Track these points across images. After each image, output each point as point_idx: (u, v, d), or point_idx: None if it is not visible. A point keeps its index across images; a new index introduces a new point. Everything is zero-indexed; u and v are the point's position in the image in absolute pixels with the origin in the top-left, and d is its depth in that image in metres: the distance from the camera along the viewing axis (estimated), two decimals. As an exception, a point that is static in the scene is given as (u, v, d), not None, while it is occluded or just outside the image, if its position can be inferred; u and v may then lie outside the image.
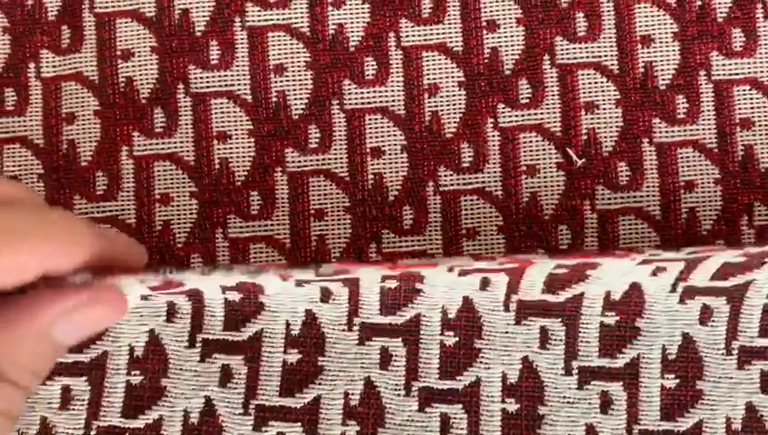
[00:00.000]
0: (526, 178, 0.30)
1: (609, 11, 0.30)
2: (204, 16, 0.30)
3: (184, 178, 0.30)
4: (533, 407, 0.28)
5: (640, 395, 0.28)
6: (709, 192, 0.29)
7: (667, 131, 0.30)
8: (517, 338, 0.28)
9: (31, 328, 0.24)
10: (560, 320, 0.28)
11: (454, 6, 0.30)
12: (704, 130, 0.30)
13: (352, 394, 0.28)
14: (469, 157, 0.30)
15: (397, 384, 0.28)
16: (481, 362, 0.28)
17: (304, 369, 0.28)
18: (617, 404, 0.28)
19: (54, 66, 0.31)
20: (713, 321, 0.28)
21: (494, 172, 0.30)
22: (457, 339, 0.28)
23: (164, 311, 0.28)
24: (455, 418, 0.27)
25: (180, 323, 0.28)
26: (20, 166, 0.30)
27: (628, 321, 0.28)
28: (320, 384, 0.28)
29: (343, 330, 0.28)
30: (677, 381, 0.28)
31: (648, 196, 0.30)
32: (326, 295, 0.28)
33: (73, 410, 0.28)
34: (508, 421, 0.28)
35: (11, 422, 0.23)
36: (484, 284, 0.28)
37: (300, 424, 0.28)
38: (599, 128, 0.30)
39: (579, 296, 0.28)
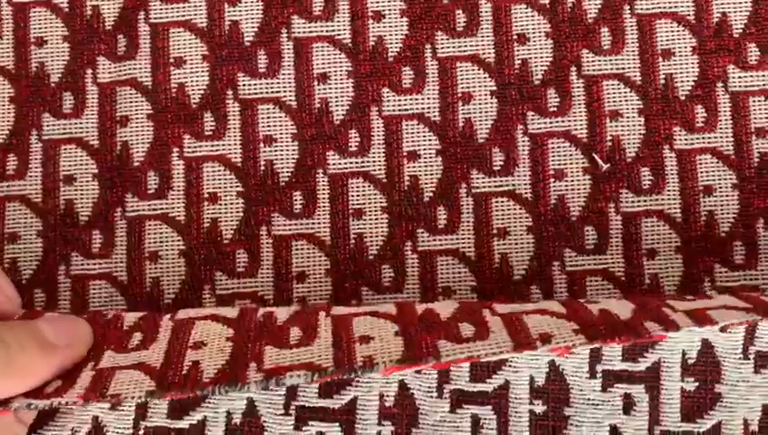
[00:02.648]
0: (554, 182, 0.32)
1: (632, 26, 0.32)
2: (252, 27, 0.32)
3: (231, 179, 0.32)
4: None
5: None
6: (727, 196, 0.31)
7: (686, 139, 0.32)
8: (603, 405, 0.29)
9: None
10: (642, 386, 0.29)
11: (486, 21, 0.32)
12: (721, 137, 0.32)
13: None
14: (500, 161, 0.32)
15: None
16: (570, 430, 0.29)
17: None
18: None
19: (110, 72, 0.32)
20: None
21: (524, 176, 0.32)
22: (546, 407, 0.29)
23: None
24: None
25: (277, 390, 0.29)
26: (76, 165, 0.32)
27: (708, 387, 0.29)
28: None
29: (435, 398, 0.29)
30: None
31: (669, 199, 0.31)
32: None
33: None
34: None
35: None
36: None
37: None
38: (622, 135, 0.32)
39: (657, 363, 0.29)
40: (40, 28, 0.33)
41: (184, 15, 0.32)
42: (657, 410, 0.29)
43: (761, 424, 0.29)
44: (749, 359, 0.29)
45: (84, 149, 0.32)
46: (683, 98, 0.32)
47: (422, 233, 0.32)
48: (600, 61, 0.32)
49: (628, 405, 0.29)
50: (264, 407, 0.29)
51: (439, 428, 0.29)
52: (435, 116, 0.32)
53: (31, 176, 0.32)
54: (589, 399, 0.29)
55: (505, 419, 0.29)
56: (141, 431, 0.28)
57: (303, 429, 0.29)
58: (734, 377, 0.29)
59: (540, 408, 0.29)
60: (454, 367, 0.29)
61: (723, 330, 0.29)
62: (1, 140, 0.32)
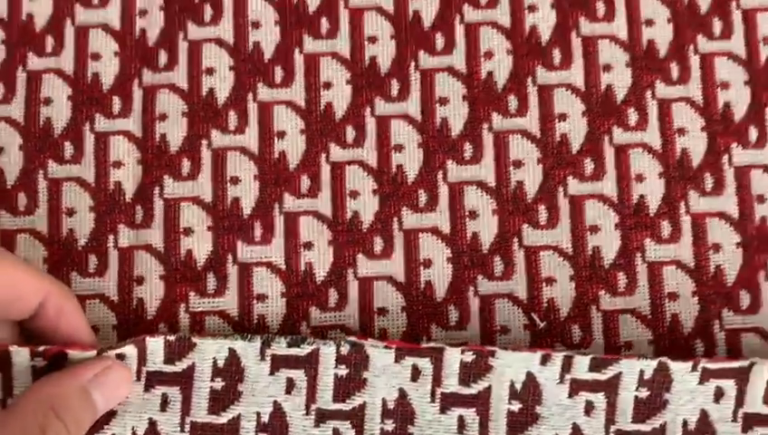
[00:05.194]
0: (500, 336, 0.38)
1: (564, 205, 0.39)
2: (250, 203, 0.39)
3: (229, 331, 0.38)
4: None
5: None
6: (643, 351, 0.37)
7: (610, 301, 0.38)
8: (569, 408, 0.35)
9: (75, 383, 0.33)
10: (603, 393, 0.35)
11: (443, 199, 0.39)
12: (640, 300, 0.38)
13: None
14: (455, 317, 0.38)
15: None
16: (541, 425, 0.35)
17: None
18: None
19: (129, 238, 0.39)
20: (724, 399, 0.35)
21: (474, 330, 0.38)
22: (521, 406, 0.35)
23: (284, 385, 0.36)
24: None
25: (299, 396, 0.35)
26: (98, 318, 0.38)
27: (658, 395, 0.35)
28: None
29: (428, 402, 0.35)
30: None
31: (595, 352, 0.37)
32: (415, 375, 0.35)
33: None
34: None
35: None
36: (544, 360, 0.35)
37: None
38: (556, 298, 0.38)
39: (618, 375, 0.35)
40: (70, 200, 0.39)
41: (193, 192, 0.39)
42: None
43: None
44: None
45: (106, 304, 0.38)
46: (607, 266, 0.38)
47: (389, 378, 0.37)
48: (538, 234, 0.39)
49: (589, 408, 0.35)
50: (289, 409, 0.35)
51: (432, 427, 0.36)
52: (400, 278, 0.38)
53: (59, 325, 0.38)
54: (558, 401, 0.35)
55: (486, 416, 0.35)
56: (188, 426, 0.35)
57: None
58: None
59: (516, 407, 0.35)
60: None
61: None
62: (34, 294, 0.38)
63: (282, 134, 0.39)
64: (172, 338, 0.35)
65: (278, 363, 0.35)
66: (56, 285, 0.35)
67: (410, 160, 0.39)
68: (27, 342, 0.35)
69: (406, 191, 0.39)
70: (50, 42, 0.40)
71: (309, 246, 0.39)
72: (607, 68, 0.40)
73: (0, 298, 0.33)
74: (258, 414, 0.35)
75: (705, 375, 0.35)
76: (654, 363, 0.35)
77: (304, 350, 0.35)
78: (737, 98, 0.39)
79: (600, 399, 0.35)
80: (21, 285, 0.33)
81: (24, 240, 0.39)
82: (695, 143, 0.39)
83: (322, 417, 0.36)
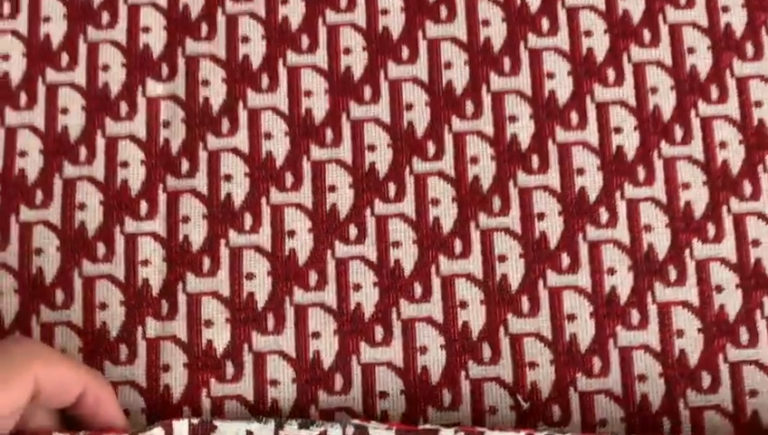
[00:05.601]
0: (489, 415, 0.42)
1: (544, 296, 0.43)
2: (264, 297, 0.43)
3: (246, 414, 0.42)
4: None
5: None
6: (615, 428, 0.42)
7: (586, 383, 0.42)
8: None
9: None
10: None
11: (437, 291, 0.44)
12: (613, 381, 0.42)
13: None
14: (449, 400, 0.42)
15: None
16: None
17: None
18: None
19: (156, 330, 0.43)
20: None
21: (466, 411, 0.42)
22: None
23: None
24: None
25: None
26: (129, 402, 0.42)
27: None
28: None
29: None
30: None
31: (573, 430, 0.42)
32: None
33: None
34: None
35: None
36: None
37: None
38: (538, 381, 0.42)
39: None
40: (102, 295, 0.44)
41: (213, 287, 0.44)
42: None
43: None
44: None
45: (135, 389, 0.42)
46: (583, 351, 0.43)
47: (390, 454, 0.42)
48: (521, 322, 0.43)
49: None
50: None
51: None
52: (399, 363, 0.43)
53: (93, 409, 0.42)
54: None
55: None
56: None
57: None
58: None
59: None
60: None
61: None
62: (70, 381, 0.43)
63: (292, 233, 0.44)
64: (195, 421, 0.40)
65: None
66: (92, 375, 0.39)
67: (406, 256, 0.44)
68: (66, 426, 0.39)
69: (403, 284, 0.44)
70: (83, 151, 0.45)
71: (317, 335, 0.43)
72: (580, 172, 0.45)
73: (47, 392, 0.37)
74: None
75: None
76: None
77: (314, 432, 0.40)
78: (697, 197, 0.44)
79: None
80: (65, 380, 0.38)
81: (61, 332, 0.43)
82: (659, 239, 0.44)
83: None
